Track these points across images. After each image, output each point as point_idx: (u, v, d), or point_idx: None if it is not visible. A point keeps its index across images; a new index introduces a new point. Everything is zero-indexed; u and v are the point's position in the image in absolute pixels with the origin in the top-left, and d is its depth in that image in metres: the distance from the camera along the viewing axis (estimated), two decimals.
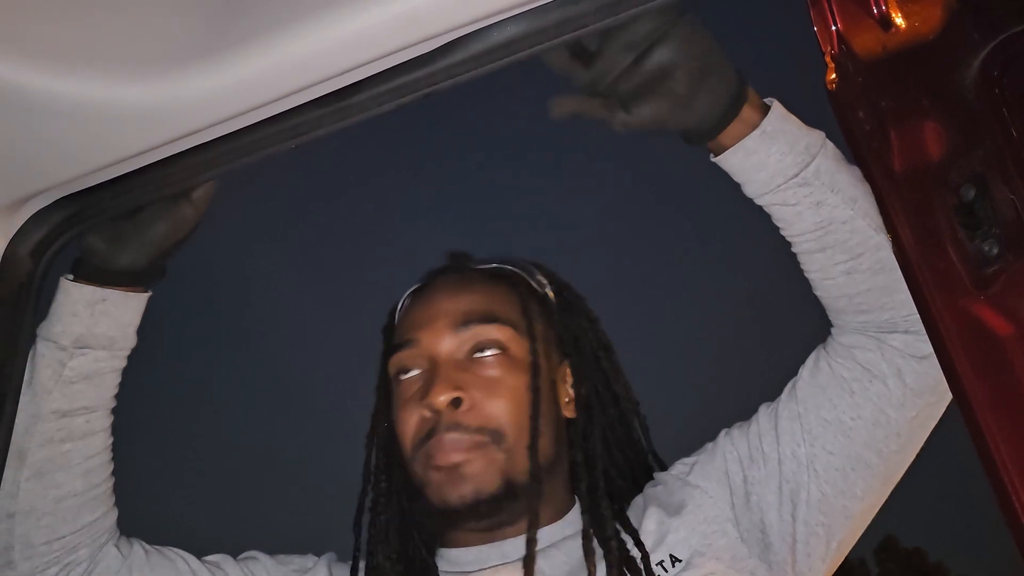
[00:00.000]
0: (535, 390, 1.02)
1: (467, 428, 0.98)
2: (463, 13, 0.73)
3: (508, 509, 0.99)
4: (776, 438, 1.01)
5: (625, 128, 0.87)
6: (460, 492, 0.97)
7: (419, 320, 1.06)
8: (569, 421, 1.08)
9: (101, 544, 1.02)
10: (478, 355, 1.03)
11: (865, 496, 0.99)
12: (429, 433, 0.99)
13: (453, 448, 0.97)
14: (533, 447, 1.00)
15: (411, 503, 1.06)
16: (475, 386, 1.00)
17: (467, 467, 0.97)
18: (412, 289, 1.16)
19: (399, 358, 1.05)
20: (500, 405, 1.01)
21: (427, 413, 1.00)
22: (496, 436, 0.99)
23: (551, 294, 1.14)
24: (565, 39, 0.79)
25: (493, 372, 1.02)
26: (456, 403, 0.99)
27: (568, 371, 1.11)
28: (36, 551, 0.98)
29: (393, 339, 1.10)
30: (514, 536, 1.02)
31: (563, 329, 1.12)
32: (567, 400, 1.09)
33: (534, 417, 1.01)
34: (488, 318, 1.04)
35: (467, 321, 1.04)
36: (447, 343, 1.03)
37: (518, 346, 1.05)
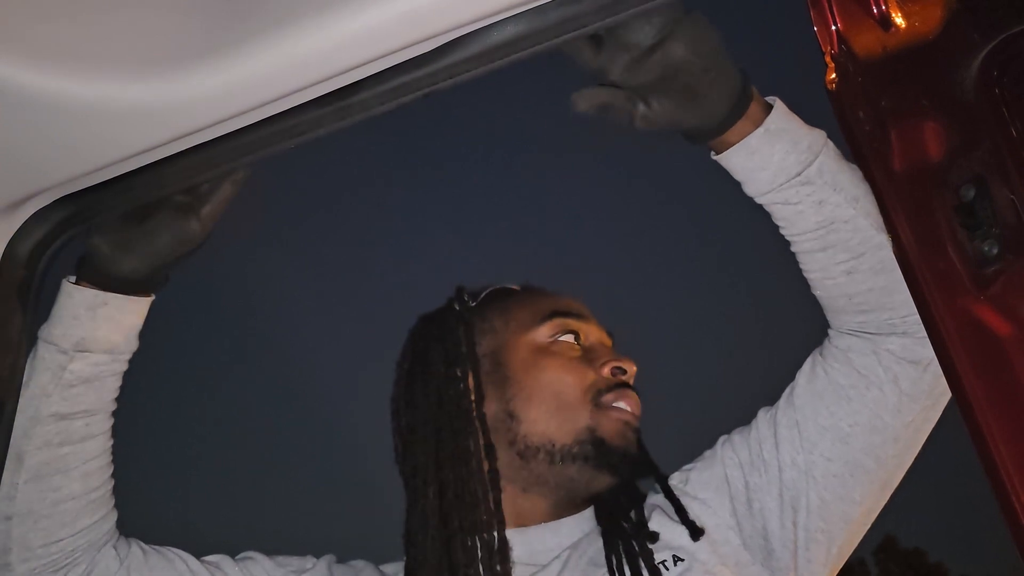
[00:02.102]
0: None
1: (637, 395, 1.14)
2: (463, 12, 0.73)
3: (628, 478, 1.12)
4: (775, 445, 1.01)
5: (645, 124, 0.87)
6: (632, 446, 1.10)
7: (577, 307, 1.21)
8: None
9: (99, 546, 1.02)
10: None
11: (864, 501, 1.00)
12: (615, 386, 1.12)
13: (633, 403, 1.12)
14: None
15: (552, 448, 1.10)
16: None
17: (634, 434, 1.11)
18: (499, 286, 1.25)
19: (571, 323, 1.17)
20: None
21: (610, 375, 1.13)
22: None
23: None
24: (565, 39, 0.79)
25: None
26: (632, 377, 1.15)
27: None
28: (34, 553, 0.98)
29: (551, 307, 1.19)
30: (538, 523, 1.09)
31: None
32: None
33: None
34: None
35: (607, 330, 1.22)
36: (605, 336, 1.21)
37: None
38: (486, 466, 1.08)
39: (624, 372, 1.14)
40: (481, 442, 1.09)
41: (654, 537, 1.02)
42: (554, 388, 1.11)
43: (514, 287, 1.26)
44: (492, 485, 1.07)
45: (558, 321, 1.16)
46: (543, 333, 1.15)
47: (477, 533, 1.04)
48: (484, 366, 1.15)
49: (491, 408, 1.12)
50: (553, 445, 1.09)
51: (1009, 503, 0.67)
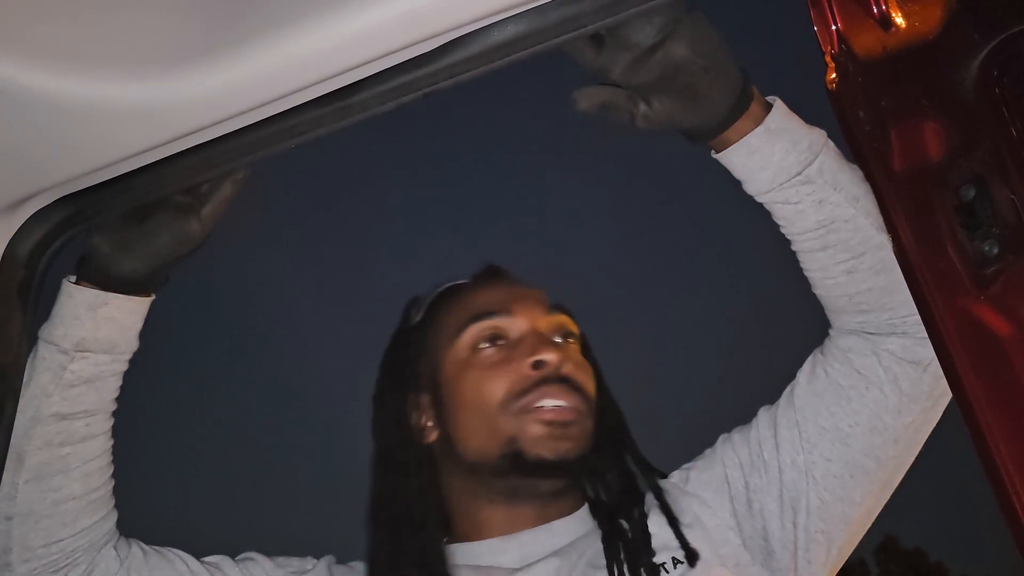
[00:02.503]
0: (599, 377, 1.14)
1: (573, 384, 1.07)
2: (463, 12, 0.73)
3: (575, 477, 1.09)
4: (776, 446, 1.01)
5: (646, 124, 0.88)
6: (563, 447, 1.04)
7: (504, 297, 1.13)
8: None
9: (100, 547, 1.02)
10: (561, 339, 1.13)
11: (863, 501, 1.00)
12: (536, 384, 1.05)
13: (562, 396, 1.05)
14: (598, 427, 1.09)
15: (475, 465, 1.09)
16: (570, 360, 1.09)
17: (571, 428, 1.05)
18: (446, 287, 1.20)
19: (491, 325, 1.11)
20: (588, 381, 1.10)
21: (530, 371, 1.06)
22: (588, 402, 1.08)
23: None
24: (566, 38, 0.79)
25: (576, 356, 1.12)
26: (561, 366, 1.07)
27: None
28: (34, 554, 0.98)
29: (470, 312, 1.13)
30: (529, 528, 1.07)
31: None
32: None
33: (611, 406, 1.14)
34: (567, 312, 1.16)
35: (554, 308, 1.15)
36: (542, 320, 1.12)
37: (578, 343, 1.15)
38: (426, 480, 1.10)
39: (544, 364, 1.07)
40: (424, 460, 1.11)
41: (652, 551, 1.01)
42: (475, 404, 1.08)
43: (461, 282, 1.21)
44: (430, 497, 1.10)
45: (476, 327, 1.11)
46: (463, 344, 1.11)
47: (425, 545, 1.07)
48: (426, 387, 1.14)
49: (436, 431, 1.12)
50: (489, 460, 1.07)
51: (1009, 503, 0.67)
